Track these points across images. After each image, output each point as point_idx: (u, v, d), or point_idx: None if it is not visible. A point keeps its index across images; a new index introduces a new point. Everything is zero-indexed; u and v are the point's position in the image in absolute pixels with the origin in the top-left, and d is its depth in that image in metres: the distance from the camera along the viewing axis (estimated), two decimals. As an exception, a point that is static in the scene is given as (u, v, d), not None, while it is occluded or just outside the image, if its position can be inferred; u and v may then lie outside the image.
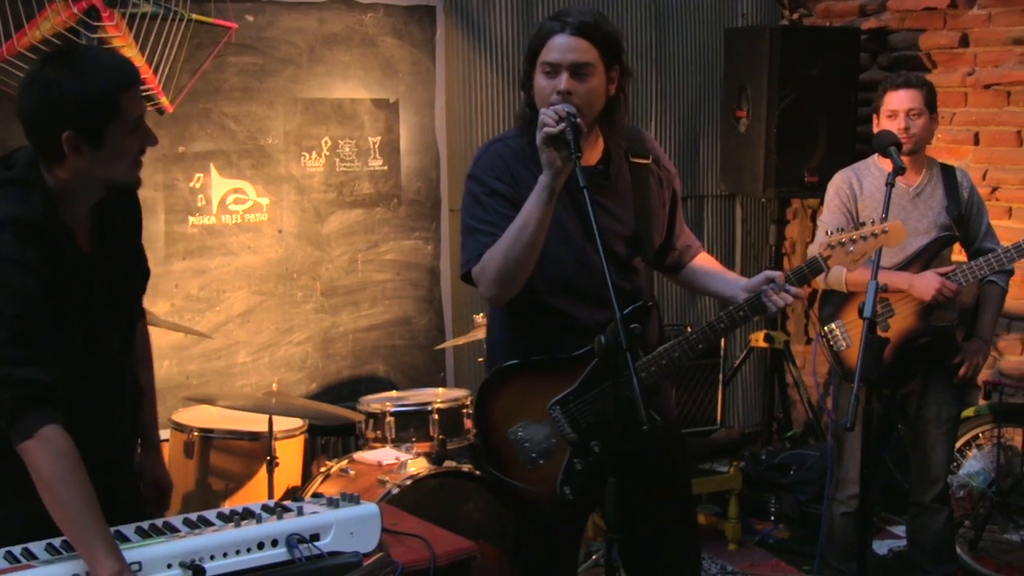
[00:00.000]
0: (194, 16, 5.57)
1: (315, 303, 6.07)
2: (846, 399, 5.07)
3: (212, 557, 2.88)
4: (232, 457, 5.12)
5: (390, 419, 5.25)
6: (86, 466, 2.83)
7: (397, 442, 5.23)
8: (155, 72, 5.48)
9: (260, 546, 2.95)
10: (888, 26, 7.10)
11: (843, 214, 5.04)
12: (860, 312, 3.94)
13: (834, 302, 5.10)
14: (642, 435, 3.02)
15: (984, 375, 6.56)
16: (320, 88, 6.03)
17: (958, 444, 5.92)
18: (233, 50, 5.74)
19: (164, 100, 5.52)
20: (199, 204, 5.70)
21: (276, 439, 4.96)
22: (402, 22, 6.23)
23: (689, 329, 3.61)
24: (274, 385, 5.40)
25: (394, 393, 5.66)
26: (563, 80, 3.42)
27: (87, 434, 2.92)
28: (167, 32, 5.50)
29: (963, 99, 6.70)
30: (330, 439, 5.92)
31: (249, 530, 2.96)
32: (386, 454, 5.15)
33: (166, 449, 4.63)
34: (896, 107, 4.98)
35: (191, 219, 5.69)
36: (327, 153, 6.07)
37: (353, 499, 3.20)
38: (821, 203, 7.50)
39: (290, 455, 5.20)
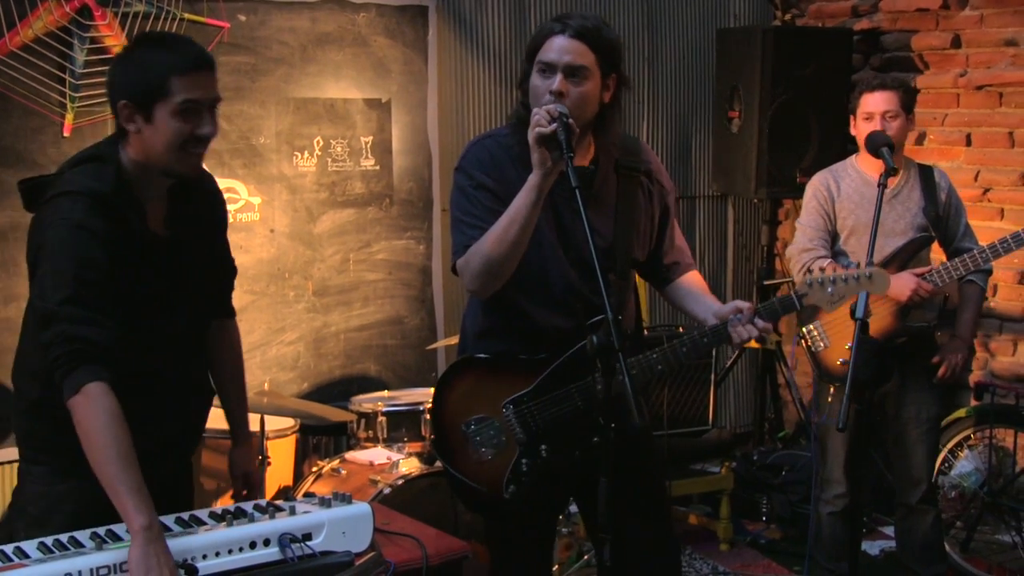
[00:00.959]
0: (186, 15, 5.57)
1: (307, 303, 6.07)
2: (826, 399, 5.08)
3: (204, 556, 2.88)
4: (224, 456, 5.06)
5: (382, 419, 5.25)
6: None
7: (389, 442, 5.23)
8: (147, 71, 5.47)
9: (252, 545, 2.94)
10: (880, 27, 7.10)
11: (821, 216, 5.04)
12: (852, 313, 3.94)
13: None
14: (594, 445, 3.04)
15: (975, 376, 6.58)
16: (312, 88, 6.03)
17: (949, 445, 5.93)
18: (225, 49, 5.73)
19: (156, 99, 5.51)
20: (191, 203, 5.69)
21: (268, 439, 4.95)
22: (394, 22, 6.23)
23: (681, 330, 3.60)
24: (266, 384, 5.40)
25: (386, 393, 5.66)
26: (557, 80, 3.42)
27: (139, 419, 2.98)
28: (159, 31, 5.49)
29: (955, 100, 6.71)
30: (322, 439, 5.91)
31: (241, 529, 2.96)
32: (378, 454, 5.15)
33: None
34: (872, 109, 4.96)
35: (183, 218, 5.68)
36: (319, 153, 6.06)
37: (345, 499, 3.20)
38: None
39: (282, 455, 5.19)
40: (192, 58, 3.11)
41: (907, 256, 5.01)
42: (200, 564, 2.85)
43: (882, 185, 4.23)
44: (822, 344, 5.06)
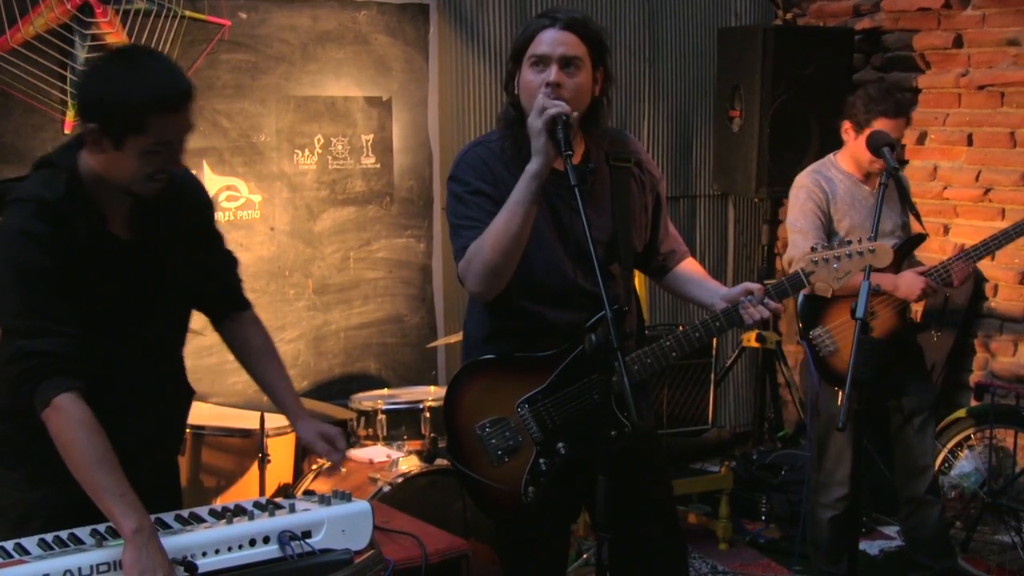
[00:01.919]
0: (187, 13, 5.56)
1: (307, 301, 6.07)
2: (834, 403, 5.07)
3: (204, 554, 2.88)
4: (224, 454, 5.11)
5: (381, 417, 5.25)
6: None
7: (388, 440, 5.23)
8: (148, 68, 5.47)
9: (252, 543, 2.95)
10: (882, 26, 7.10)
11: (818, 217, 5.04)
12: (852, 313, 3.94)
13: (816, 307, 5.09)
14: (612, 439, 3.03)
15: (976, 376, 6.59)
16: (313, 86, 6.03)
17: (949, 445, 5.94)
18: (226, 47, 5.73)
19: (157, 96, 5.51)
20: (191, 201, 5.68)
21: (268, 436, 4.95)
22: (395, 20, 6.23)
23: (681, 329, 3.58)
24: (266, 382, 5.39)
25: (386, 391, 5.65)
26: (552, 72, 3.40)
27: (111, 419, 2.96)
28: (160, 29, 5.49)
29: (956, 100, 6.71)
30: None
31: (241, 527, 2.96)
32: (377, 452, 5.15)
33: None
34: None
35: (183, 216, 5.67)
36: (320, 151, 6.06)
37: (345, 497, 3.20)
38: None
39: (282, 452, 5.19)
40: (174, 97, 2.98)
41: (903, 255, 5.04)
42: (200, 561, 2.85)
43: (883, 185, 4.22)
44: (831, 348, 5.06)
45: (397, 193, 6.33)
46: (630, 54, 7.12)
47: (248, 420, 5.05)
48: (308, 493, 3.29)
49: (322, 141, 6.07)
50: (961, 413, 5.96)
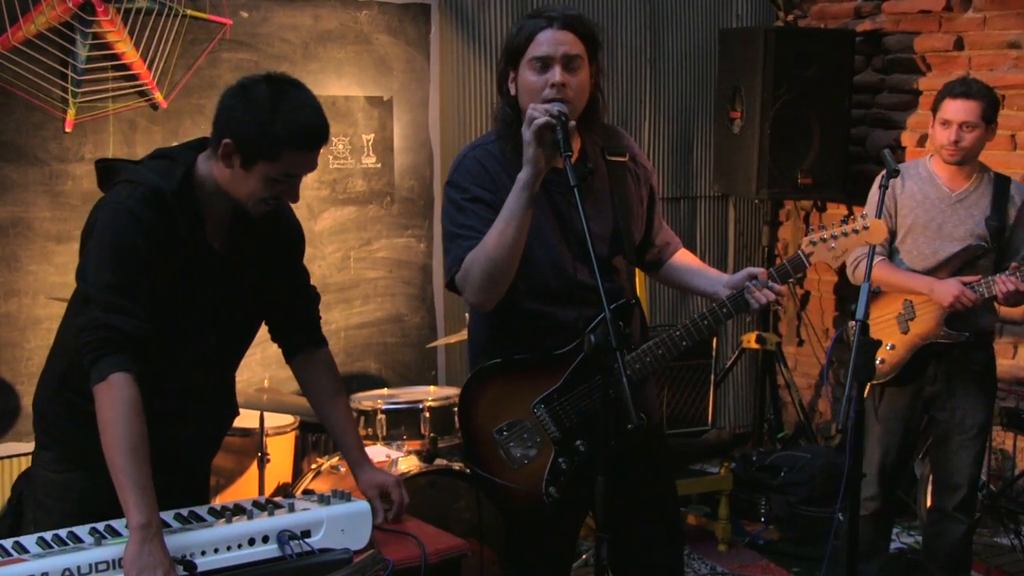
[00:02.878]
0: (189, 12, 5.57)
1: (307, 300, 6.06)
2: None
3: (203, 553, 2.88)
4: (223, 453, 5.05)
5: (381, 417, 5.24)
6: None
7: (388, 440, 5.22)
8: (149, 67, 5.47)
9: (251, 542, 2.94)
10: (883, 28, 7.10)
11: (883, 211, 5.00)
12: (852, 314, 3.94)
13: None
14: (628, 434, 3.01)
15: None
16: (314, 85, 5.92)
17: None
18: (227, 46, 5.73)
19: (158, 95, 5.51)
20: (192, 200, 5.68)
21: (267, 435, 4.95)
22: (396, 20, 6.23)
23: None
24: (266, 382, 5.40)
25: (385, 391, 5.65)
26: (557, 72, 3.39)
27: (155, 421, 2.98)
28: (162, 27, 5.49)
29: (957, 102, 6.69)
30: (321, 436, 5.90)
31: (240, 526, 2.96)
32: (377, 452, 5.14)
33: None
34: (951, 117, 4.89)
35: (184, 215, 5.67)
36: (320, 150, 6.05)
37: (344, 496, 3.20)
38: (814, 205, 7.56)
39: (281, 452, 5.19)
40: (313, 137, 3.11)
41: (960, 263, 4.94)
42: (199, 560, 2.85)
43: (883, 187, 4.21)
44: None
45: (398, 193, 6.33)
46: (631, 55, 7.12)
47: (248, 419, 5.04)
48: (307, 492, 3.29)
49: (323, 140, 6.06)
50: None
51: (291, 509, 3.10)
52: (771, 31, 6.87)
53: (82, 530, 2.93)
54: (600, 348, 3.07)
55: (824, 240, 3.60)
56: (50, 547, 2.83)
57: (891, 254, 5.03)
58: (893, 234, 5.02)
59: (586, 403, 3.49)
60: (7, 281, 5.23)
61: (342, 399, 3.57)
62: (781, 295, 3.54)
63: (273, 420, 5.10)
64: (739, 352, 7.36)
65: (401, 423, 5.26)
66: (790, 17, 7.48)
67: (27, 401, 5.18)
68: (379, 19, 6.18)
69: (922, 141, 6.84)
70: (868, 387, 4.96)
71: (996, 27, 6.53)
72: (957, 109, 4.88)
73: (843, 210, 7.23)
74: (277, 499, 3.21)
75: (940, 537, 5.16)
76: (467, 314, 5.65)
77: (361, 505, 3.16)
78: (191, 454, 3.37)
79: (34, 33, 5.21)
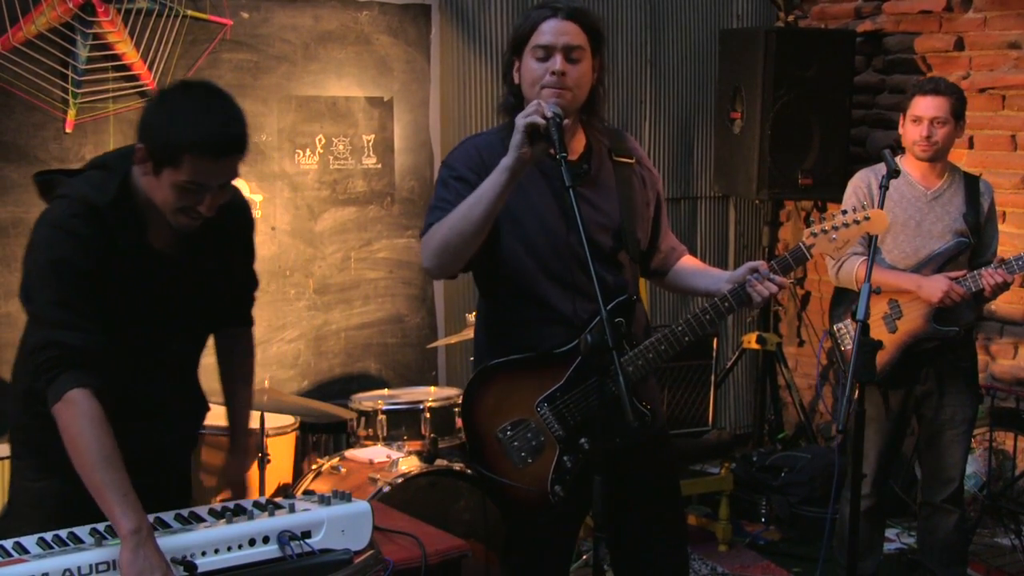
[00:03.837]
0: (189, 12, 5.56)
1: (308, 300, 6.07)
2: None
3: (204, 553, 2.88)
4: (223, 453, 5.10)
5: (382, 417, 5.25)
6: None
7: (388, 440, 5.23)
8: (150, 68, 5.47)
9: (252, 543, 2.95)
10: (883, 29, 7.10)
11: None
12: (853, 314, 3.94)
13: (846, 301, 5.09)
14: (630, 430, 3.02)
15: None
16: (314, 86, 6.03)
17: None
18: (228, 47, 5.73)
19: (158, 96, 5.52)
20: (192, 200, 5.68)
21: (267, 436, 4.95)
22: (397, 20, 6.23)
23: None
24: (266, 382, 5.40)
25: (386, 391, 5.65)
26: (558, 61, 3.43)
27: (125, 426, 2.97)
28: (162, 28, 5.49)
29: (957, 103, 6.70)
30: (321, 437, 5.91)
31: (240, 526, 2.96)
32: (377, 452, 5.15)
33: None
34: (921, 113, 4.94)
35: (184, 215, 5.67)
36: (321, 151, 6.06)
37: (344, 497, 3.20)
38: (814, 206, 7.55)
39: (281, 452, 5.19)
40: (214, 145, 3.00)
41: (944, 260, 4.98)
42: (199, 561, 2.85)
43: (884, 187, 4.22)
44: (851, 343, 5.04)
45: (398, 193, 6.33)
46: (632, 55, 7.12)
47: (248, 420, 5.04)
48: (308, 493, 3.29)
49: (323, 141, 6.07)
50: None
51: (291, 510, 3.10)
52: (771, 31, 6.88)
53: (82, 530, 2.93)
54: (597, 348, 3.07)
55: (825, 232, 3.61)
56: (50, 547, 2.83)
57: (873, 254, 5.04)
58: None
59: (589, 401, 3.49)
60: (7, 281, 5.23)
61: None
62: (783, 287, 3.54)
63: (273, 421, 5.10)
64: (740, 352, 7.36)
65: (401, 423, 5.26)
66: (790, 17, 7.48)
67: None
68: (380, 20, 6.18)
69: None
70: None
71: (996, 27, 6.53)
72: (927, 105, 4.95)
73: (843, 210, 7.22)
74: (277, 500, 3.21)
75: (934, 531, 5.21)
76: (468, 314, 5.68)
77: (361, 506, 3.16)
78: (168, 454, 3.37)
79: (34, 33, 5.21)
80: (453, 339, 5.74)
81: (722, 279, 3.62)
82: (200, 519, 3.05)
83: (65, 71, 5.31)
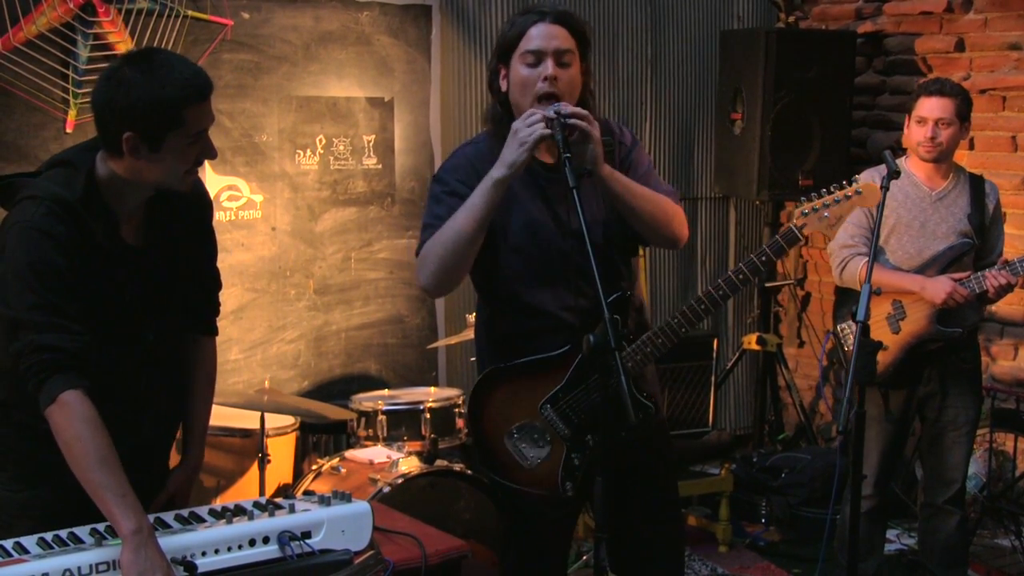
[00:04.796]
0: (190, 12, 5.57)
1: (308, 301, 6.07)
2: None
3: (204, 553, 2.87)
4: (224, 454, 5.11)
5: (382, 417, 5.25)
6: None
7: (389, 441, 5.23)
8: (150, 68, 5.47)
9: (252, 543, 2.94)
10: (884, 30, 7.10)
11: (863, 213, 5.00)
12: (854, 315, 3.93)
13: (849, 301, 5.07)
14: (632, 426, 3.02)
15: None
16: (315, 86, 6.03)
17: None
18: (228, 47, 5.74)
19: (159, 96, 5.51)
20: (193, 200, 5.68)
21: (268, 436, 4.95)
22: (398, 21, 6.23)
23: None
24: (266, 382, 5.40)
25: (386, 392, 5.65)
26: (549, 66, 3.42)
27: (114, 423, 2.95)
28: (163, 28, 5.49)
29: (958, 104, 6.70)
30: (322, 437, 5.91)
31: (241, 527, 2.96)
32: (378, 452, 5.15)
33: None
34: (926, 114, 4.91)
35: (185, 215, 5.67)
36: (321, 151, 6.07)
37: (344, 497, 3.20)
38: (815, 206, 7.53)
39: (282, 452, 5.19)
40: (203, 87, 3.02)
41: (948, 260, 4.96)
42: (199, 561, 2.85)
43: (884, 188, 4.21)
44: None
45: (399, 194, 6.33)
46: (632, 56, 7.12)
47: (248, 420, 5.05)
48: (308, 493, 3.29)
49: (324, 141, 6.07)
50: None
51: (292, 510, 3.10)
52: (772, 32, 6.88)
53: (83, 530, 2.92)
54: (599, 348, 3.07)
55: (816, 210, 3.59)
56: (50, 547, 2.83)
57: (877, 254, 5.03)
58: (876, 234, 5.03)
59: (592, 398, 3.51)
60: None
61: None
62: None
63: (273, 421, 5.10)
64: (740, 353, 7.36)
65: (402, 424, 5.26)
66: (791, 18, 7.48)
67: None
68: (380, 20, 6.18)
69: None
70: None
71: (997, 28, 6.53)
72: (932, 106, 4.93)
73: (844, 211, 7.22)
74: (278, 500, 3.21)
75: (935, 532, 5.20)
76: (468, 315, 5.68)
77: (362, 506, 3.16)
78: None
79: (35, 34, 5.21)
80: (453, 339, 5.74)
81: None
82: (200, 519, 3.05)
83: (66, 71, 5.32)
